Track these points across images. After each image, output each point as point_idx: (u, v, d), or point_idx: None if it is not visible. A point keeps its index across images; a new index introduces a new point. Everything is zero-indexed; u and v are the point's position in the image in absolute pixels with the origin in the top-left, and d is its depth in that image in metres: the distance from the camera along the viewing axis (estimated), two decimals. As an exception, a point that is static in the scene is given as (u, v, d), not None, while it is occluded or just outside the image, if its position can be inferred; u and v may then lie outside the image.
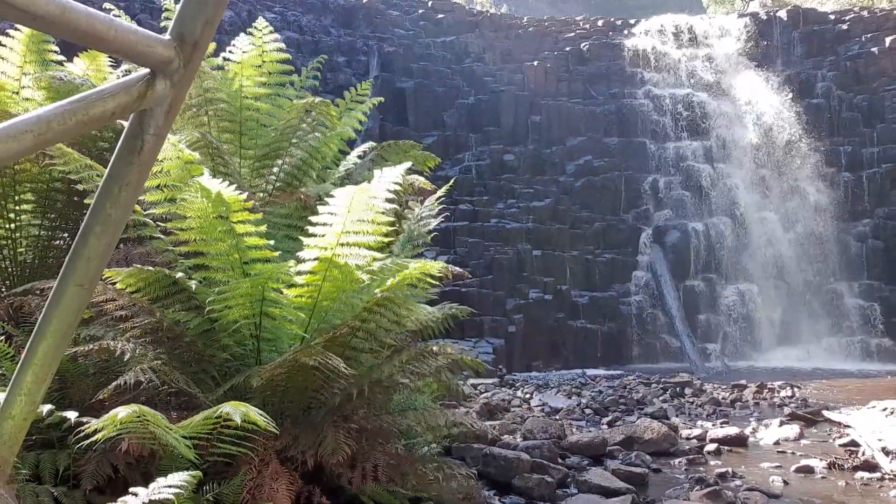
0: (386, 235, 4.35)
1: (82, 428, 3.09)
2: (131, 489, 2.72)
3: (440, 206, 5.90)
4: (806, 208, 22.22)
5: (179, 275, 4.08)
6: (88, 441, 3.10)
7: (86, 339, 3.96)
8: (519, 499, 6.80)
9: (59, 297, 2.14)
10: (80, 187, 4.54)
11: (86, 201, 4.79)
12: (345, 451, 3.99)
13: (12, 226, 5.21)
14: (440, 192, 5.93)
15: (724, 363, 19.20)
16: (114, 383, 3.42)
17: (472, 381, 13.77)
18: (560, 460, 8.06)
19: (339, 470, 4.42)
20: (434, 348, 4.75)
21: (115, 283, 3.93)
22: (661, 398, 13.12)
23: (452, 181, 7.18)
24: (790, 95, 23.37)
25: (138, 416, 3.03)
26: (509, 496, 6.90)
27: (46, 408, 3.33)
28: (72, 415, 3.27)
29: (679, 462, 8.53)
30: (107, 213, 2.16)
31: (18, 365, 2.20)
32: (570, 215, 21.92)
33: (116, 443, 3.41)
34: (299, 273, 4.19)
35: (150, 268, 3.96)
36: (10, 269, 5.22)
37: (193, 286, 4.08)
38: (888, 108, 22.65)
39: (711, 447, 9.16)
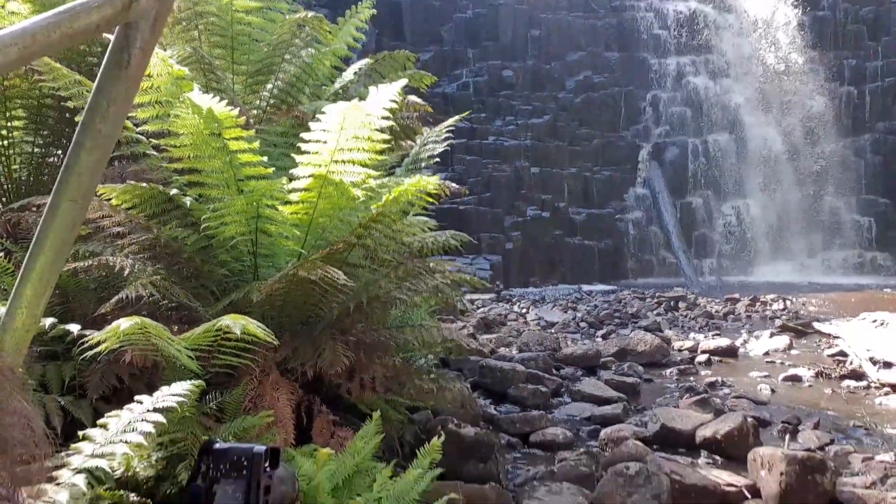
0: (381, 153, 4.35)
1: (85, 339, 3.18)
2: (136, 397, 2.83)
3: (447, 133, 5.87)
4: (806, 123, 22.02)
5: (174, 191, 4.10)
6: (92, 353, 3.20)
7: (85, 254, 4.02)
8: (514, 407, 7.03)
9: (53, 213, 2.18)
10: (70, 104, 4.50)
11: (77, 118, 4.76)
12: (343, 363, 4.10)
13: (5, 143, 5.19)
14: (450, 121, 5.87)
15: (718, 278, 19.44)
16: (115, 297, 3.50)
17: (469, 296, 13.95)
18: (554, 371, 8.29)
19: (338, 381, 4.56)
20: (431, 265, 4.81)
21: (110, 200, 3.96)
22: (655, 312, 13.35)
23: (463, 115, 7.07)
24: (796, 8, 22.79)
25: (140, 328, 3.11)
26: (504, 405, 7.13)
27: (49, 320, 3.41)
28: (74, 328, 3.35)
29: (670, 372, 8.77)
30: (96, 129, 2.17)
31: (18, 279, 2.26)
32: (568, 132, 21.74)
33: (120, 354, 3.51)
34: (294, 190, 4.21)
35: (145, 184, 3.98)
36: (5, 186, 5.24)
37: (189, 203, 4.11)
38: (895, 20, 22.13)
39: (702, 358, 9.40)
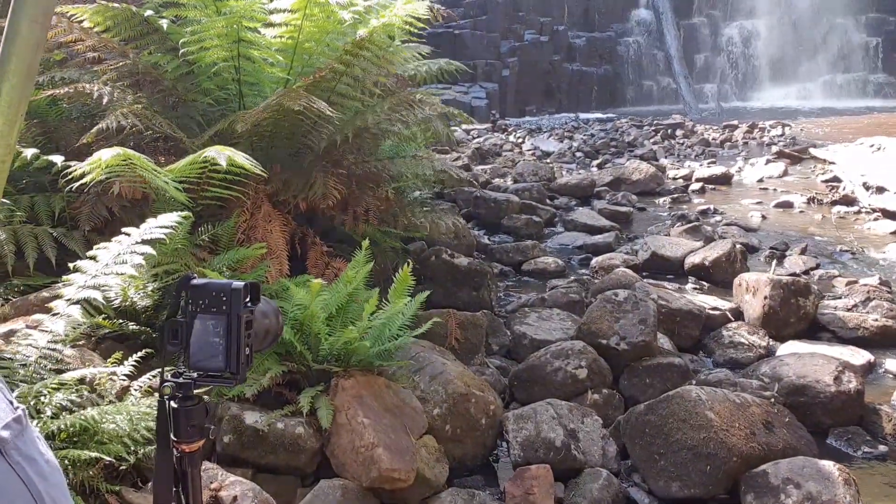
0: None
1: (70, 171, 3.11)
2: (124, 229, 2.81)
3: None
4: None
5: (149, 13, 3.86)
6: (78, 184, 3.14)
7: (61, 81, 3.86)
8: (507, 237, 7.11)
9: (14, 35, 2.04)
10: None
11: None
12: (334, 196, 4.07)
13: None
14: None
15: (718, 104, 19.07)
16: (96, 127, 3.39)
17: (464, 126, 13.71)
18: (548, 201, 8.32)
19: (332, 213, 4.55)
20: (420, 96, 4.64)
21: (82, 22, 3.74)
22: (651, 140, 13.21)
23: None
24: None
25: (124, 159, 3.04)
26: (498, 235, 7.21)
27: (31, 151, 3.33)
28: (58, 159, 3.28)
29: (664, 201, 8.81)
30: (49, -61, 1.97)
31: (-14, 108, 2.15)
32: (569, -53, 20.43)
33: (109, 186, 3.47)
34: (276, 11, 3.98)
35: (117, 5, 3.74)
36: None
37: (165, 25, 3.89)
38: None
39: (696, 186, 9.41)
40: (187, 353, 1.16)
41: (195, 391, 1.18)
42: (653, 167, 9.63)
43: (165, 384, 1.16)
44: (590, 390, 3.78)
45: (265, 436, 2.90)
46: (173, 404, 1.17)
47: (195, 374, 1.16)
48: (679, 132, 13.76)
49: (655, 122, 14.94)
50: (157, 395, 2.63)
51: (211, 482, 2.52)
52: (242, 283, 1.16)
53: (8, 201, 3.49)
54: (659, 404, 3.34)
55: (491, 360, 4.26)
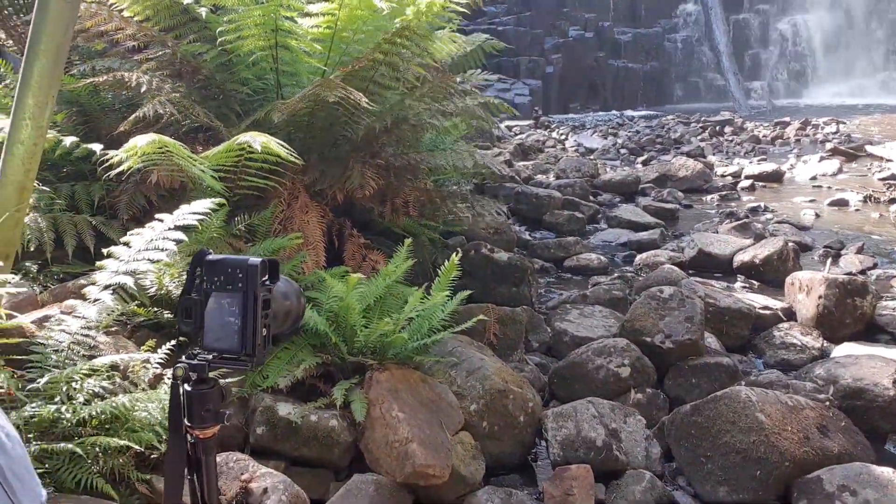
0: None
1: (107, 157, 3.10)
2: (157, 215, 2.78)
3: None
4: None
5: (188, 1, 3.85)
6: (116, 171, 3.13)
7: (101, 70, 3.87)
8: (549, 233, 6.98)
9: (44, 13, 2.01)
10: None
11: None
12: (371, 186, 4.01)
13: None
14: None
15: (769, 101, 18.57)
16: (133, 115, 3.38)
17: (507, 122, 13.58)
18: (592, 198, 8.16)
19: (370, 204, 4.49)
20: (461, 84, 4.55)
21: (121, 11, 3.74)
22: (699, 137, 12.89)
23: None
24: None
25: (160, 146, 3.01)
26: (540, 231, 7.08)
27: (70, 139, 3.33)
28: (97, 147, 3.27)
29: (711, 198, 8.57)
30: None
31: (17, 88, 2.13)
32: (615, -58, 20.11)
33: (147, 175, 3.46)
34: (314, 1, 3.94)
35: (157, -7, 3.75)
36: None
37: (204, 14, 3.87)
38: None
39: (746, 183, 9.13)
40: (201, 333, 1.09)
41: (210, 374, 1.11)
42: (700, 164, 9.38)
43: (178, 365, 1.09)
44: (633, 389, 3.65)
45: (298, 428, 2.85)
46: (187, 387, 1.10)
47: (210, 356, 1.09)
48: (728, 129, 13.41)
49: (703, 119, 14.59)
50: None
51: (242, 473, 2.47)
52: (259, 259, 1.08)
53: (48, 189, 3.50)
54: (706, 405, 3.19)
55: (530, 357, 4.15)
